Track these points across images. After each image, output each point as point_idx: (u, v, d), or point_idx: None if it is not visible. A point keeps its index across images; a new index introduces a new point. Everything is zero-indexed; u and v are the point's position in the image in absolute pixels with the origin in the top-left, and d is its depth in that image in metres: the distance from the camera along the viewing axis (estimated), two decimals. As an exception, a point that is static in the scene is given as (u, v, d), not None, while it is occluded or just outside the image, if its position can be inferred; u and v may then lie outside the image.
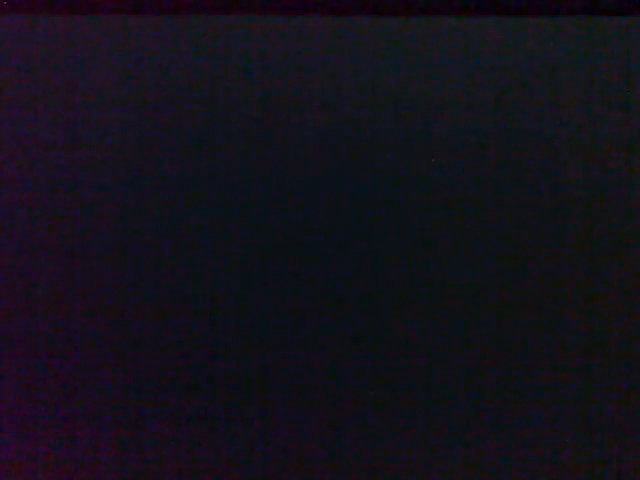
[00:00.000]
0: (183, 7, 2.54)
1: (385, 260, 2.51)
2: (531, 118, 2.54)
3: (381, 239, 2.52)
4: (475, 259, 2.51)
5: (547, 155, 2.53)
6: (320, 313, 2.51)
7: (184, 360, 2.52)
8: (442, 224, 2.52)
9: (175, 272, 2.52)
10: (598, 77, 2.54)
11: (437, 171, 2.52)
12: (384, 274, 2.51)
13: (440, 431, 2.51)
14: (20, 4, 2.54)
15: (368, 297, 2.51)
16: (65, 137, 2.55)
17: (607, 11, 2.53)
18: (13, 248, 2.54)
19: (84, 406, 2.53)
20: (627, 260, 2.52)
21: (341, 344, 2.51)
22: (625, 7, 2.52)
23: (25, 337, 2.53)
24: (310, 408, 2.51)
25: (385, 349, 2.51)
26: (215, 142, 2.54)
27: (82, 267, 2.53)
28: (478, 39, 2.54)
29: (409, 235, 2.52)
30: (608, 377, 2.51)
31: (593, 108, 2.54)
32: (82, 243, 2.53)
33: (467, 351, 2.50)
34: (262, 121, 2.54)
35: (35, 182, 2.54)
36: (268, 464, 2.52)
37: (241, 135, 2.54)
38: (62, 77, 2.56)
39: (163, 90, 2.55)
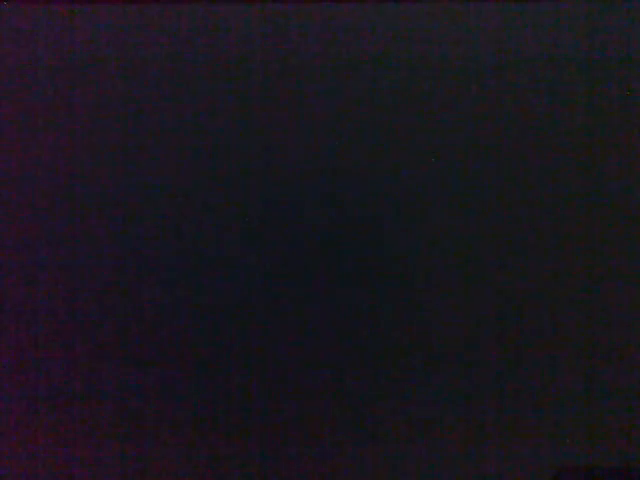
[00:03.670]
0: None
1: (384, 259, 2.52)
2: (530, 112, 2.54)
3: (381, 237, 2.52)
4: (475, 258, 2.52)
5: (546, 146, 2.53)
6: (320, 314, 2.51)
7: (185, 363, 2.52)
8: (441, 222, 2.52)
9: (176, 271, 2.52)
10: (598, 63, 2.54)
11: (437, 167, 2.52)
12: (383, 273, 2.51)
13: (440, 430, 2.52)
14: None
15: (366, 295, 2.51)
16: (64, 134, 2.55)
17: None
18: (13, 247, 2.55)
19: (85, 411, 2.53)
20: (627, 259, 2.52)
21: (341, 342, 2.51)
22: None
23: (25, 337, 2.53)
24: (309, 409, 2.51)
25: (386, 350, 2.51)
26: (214, 136, 2.55)
27: (82, 267, 2.53)
28: (479, 24, 2.54)
29: (409, 232, 2.52)
30: (609, 373, 2.51)
31: (593, 101, 2.54)
32: (82, 242, 2.53)
33: (467, 350, 2.51)
34: (262, 114, 2.55)
35: (34, 179, 2.55)
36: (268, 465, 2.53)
37: (240, 129, 2.55)
38: (61, 71, 2.56)
39: (163, 80, 2.55)
